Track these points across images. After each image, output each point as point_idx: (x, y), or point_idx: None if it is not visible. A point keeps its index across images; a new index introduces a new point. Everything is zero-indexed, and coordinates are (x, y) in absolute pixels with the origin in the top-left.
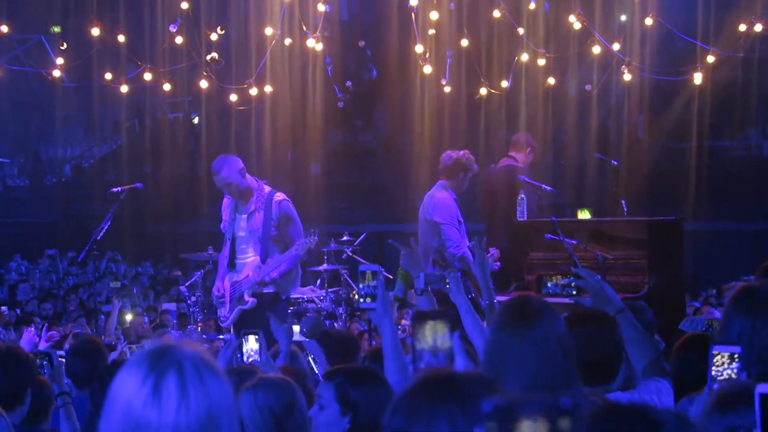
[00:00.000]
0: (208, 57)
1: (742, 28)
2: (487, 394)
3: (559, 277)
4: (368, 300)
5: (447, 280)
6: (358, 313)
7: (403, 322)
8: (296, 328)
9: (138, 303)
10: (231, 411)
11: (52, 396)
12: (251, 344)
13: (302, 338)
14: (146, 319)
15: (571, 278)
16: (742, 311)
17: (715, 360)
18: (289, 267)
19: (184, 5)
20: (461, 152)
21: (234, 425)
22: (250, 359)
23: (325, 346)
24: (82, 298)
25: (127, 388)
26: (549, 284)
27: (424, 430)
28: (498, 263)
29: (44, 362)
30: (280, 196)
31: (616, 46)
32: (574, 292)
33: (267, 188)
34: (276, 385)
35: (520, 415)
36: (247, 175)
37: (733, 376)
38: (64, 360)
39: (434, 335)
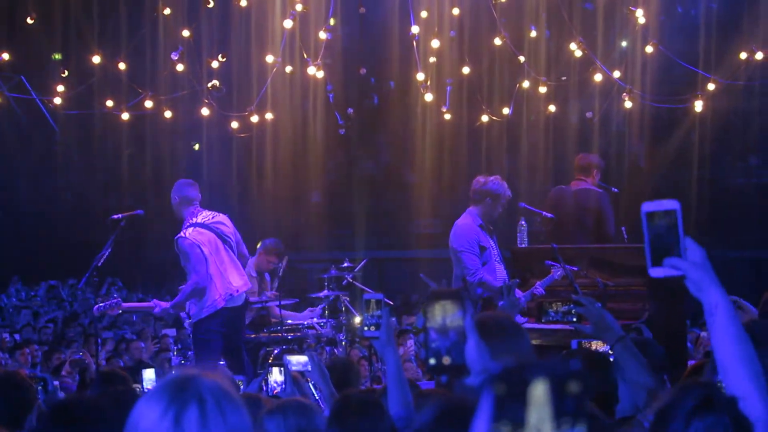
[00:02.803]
0: (209, 84)
1: (743, 56)
2: None
3: (559, 304)
4: (372, 329)
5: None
6: (358, 339)
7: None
8: (302, 359)
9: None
10: None
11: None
12: (275, 376)
13: (305, 368)
14: (142, 344)
15: (572, 305)
16: None
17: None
18: (178, 300)
19: (186, 33)
20: (491, 177)
21: None
22: (275, 391)
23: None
24: (83, 324)
25: (147, 421)
26: (550, 311)
27: None
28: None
29: (39, 387)
30: (183, 233)
31: (616, 74)
32: (575, 319)
33: (194, 219)
34: (303, 406)
35: (529, 377)
36: (189, 206)
37: None
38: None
39: (444, 314)
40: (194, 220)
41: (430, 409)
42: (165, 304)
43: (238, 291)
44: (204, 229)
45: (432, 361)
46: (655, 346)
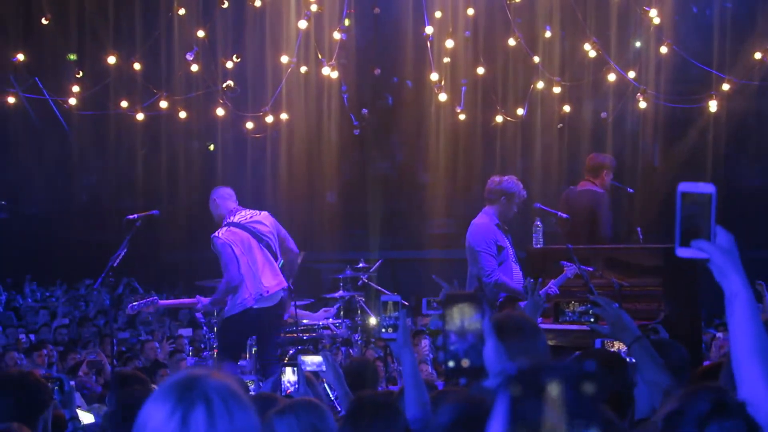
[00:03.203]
0: (224, 85)
1: (758, 56)
2: None
3: (576, 304)
4: (390, 330)
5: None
6: (373, 340)
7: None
8: (317, 359)
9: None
10: None
11: (62, 422)
12: (288, 376)
13: (320, 368)
14: (156, 344)
15: (588, 305)
16: None
17: None
18: (216, 297)
19: (201, 33)
20: (506, 177)
21: None
22: (288, 391)
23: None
24: (99, 325)
25: (155, 421)
26: (566, 311)
27: None
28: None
29: (55, 387)
30: (218, 232)
31: (631, 74)
32: (592, 320)
33: (231, 219)
34: (313, 405)
35: (545, 378)
36: (222, 205)
37: None
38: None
39: (462, 317)
40: (231, 219)
41: (448, 411)
42: (206, 300)
43: (269, 291)
44: (238, 228)
45: (451, 363)
46: (677, 347)
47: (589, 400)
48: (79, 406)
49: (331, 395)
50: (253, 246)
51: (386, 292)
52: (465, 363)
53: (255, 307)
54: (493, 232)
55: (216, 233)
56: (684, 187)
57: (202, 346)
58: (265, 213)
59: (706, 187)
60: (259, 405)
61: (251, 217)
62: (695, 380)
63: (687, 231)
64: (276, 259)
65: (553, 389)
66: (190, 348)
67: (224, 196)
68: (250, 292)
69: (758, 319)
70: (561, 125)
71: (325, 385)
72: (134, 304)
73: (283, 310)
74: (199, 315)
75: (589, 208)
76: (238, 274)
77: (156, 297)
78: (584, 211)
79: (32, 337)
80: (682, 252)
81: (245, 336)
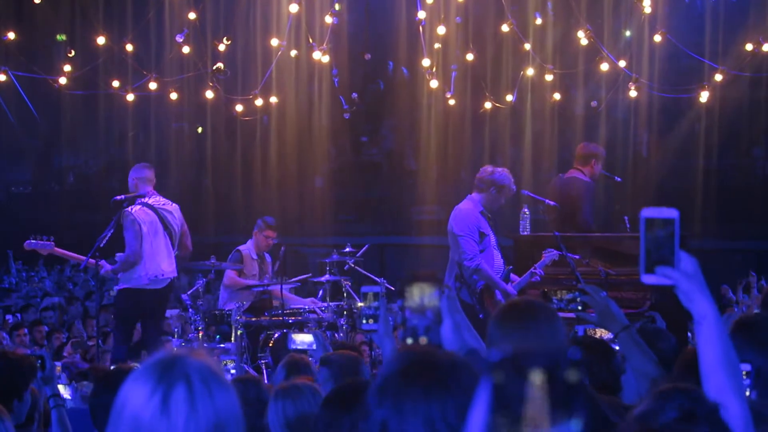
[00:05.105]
0: (215, 67)
1: (749, 47)
2: (478, 384)
3: (564, 292)
4: (370, 321)
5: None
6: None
7: None
8: (307, 338)
9: None
10: (238, 421)
11: (39, 400)
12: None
13: (309, 347)
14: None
15: (576, 293)
16: (749, 344)
17: None
18: (116, 267)
19: (191, 15)
20: (499, 168)
21: None
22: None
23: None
24: (86, 305)
25: (135, 400)
26: (554, 299)
27: (420, 423)
28: (540, 271)
29: (37, 363)
30: (131, 208)
31: (623, 63)
32: (579, 308)
33: (145, 199)
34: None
35: (528, 364)
36: (140, 186)
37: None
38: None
39: (421, 295)
40: (145, 200)
41: (395, 362)
42: (109, 267)
43: (163, 275)
44: (151, 210)
45: (409, 340)
46: (666, 336)
47: (572, 388)
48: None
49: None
50: (159, 230)
51: (373, 277)
52: (423, 340)
53: (149, 287)
54: (477, 218)
55: (129, 208)
56: (647, 212)
57: (189, 327)
58: (176, 205)
59: (670, 212)
60: (241, 388)
61: (164, 204)
62: (680, 367)
63: (651, 257)
64: (173, 249)
65: (536, 376)
66: (175, 329)
67: (145, 180)
68: (147, 272)
69: (725, 338)
70: (552, 107)
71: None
72: (32, 241)
73: (169, 295)
74: (185, 296)
75: (573, 196)
76: (140, 252)
77: (53, 243)
78: (568, 198)
79: (19, 317)
80: (647, 279)
81: (138, 309)
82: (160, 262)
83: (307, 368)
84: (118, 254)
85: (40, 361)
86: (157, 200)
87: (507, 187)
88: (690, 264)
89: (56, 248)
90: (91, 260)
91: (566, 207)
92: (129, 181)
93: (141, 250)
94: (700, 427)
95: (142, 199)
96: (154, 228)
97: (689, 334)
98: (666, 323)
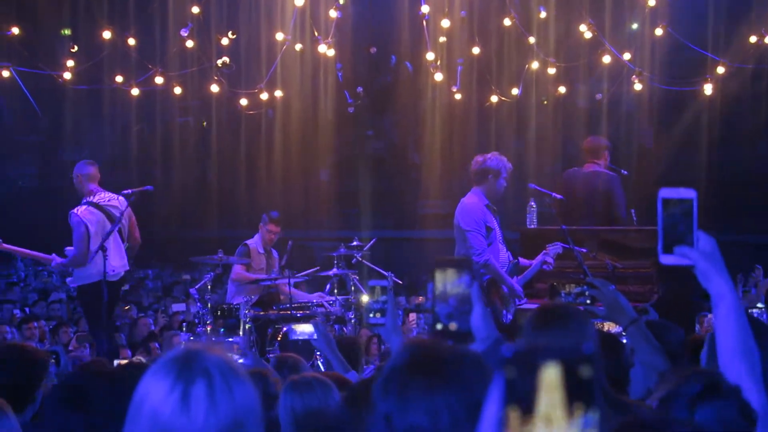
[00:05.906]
0: (219, 61)
1: (753, 39)
2: (484, 377)
3: (572, 285)
4: (378, 315)
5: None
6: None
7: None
8: (308, 328)
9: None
10: (256, 415)
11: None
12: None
13: (310, 337)
14: (150, 320)
15: (585, 287)
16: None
17: None
18: (65, 263)
19: (195, 9)
20: (489, 155)
21: (259, 428)
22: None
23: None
24: None
25: (155, 395)
26: (562, 293)
27: (423, 416)
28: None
29: (51, 360)
30: (76, 209)
31: (626, 56)
32: (588, 301)
33: (90, 198)
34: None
35: (540, 359)
36: (85, 183)
37: None
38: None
39: (451, 281)
40: (91, 198)
41: (400, 355)
42: (61, 260)
43: (114, 271)
44: (96, 209)
45: (438, 326)
46: (674, 329)
47: (586, 382)
48: None
49: (321, 366)
50: (106, 228)
51: (380, 270)
52: (453, 327)
53: (101, 281)
54: (483, 212)
55: (75, 210)
56: (665, 193)
57: (197, 321)
58: (121, 198)
59: (687, 193)
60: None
61: (109, 200)
62: (689, 353)
63: (669, 237)
64: (123, 242)
65: (549, 372)
66: (185, 324)
67: (89, 177)
68: (98, 269)
69: (743, 320)
70: (545, 100)
71: (319, 361)
72: None
73: (120, 288)
74: (192, 291)
75: (602, 191)
76: (86, 253)
77: (1, 239)
78: (597, 193)
79: (27, 310)
80: (665, 259)
81: (101, 299)
82: (110, 260)
83: (297, 366)
84: (67, 248)
85: (54, 357)
86: (102, 197)
87: (503, 168)
88: (708, 243)
89: (4, 244)
90: (46, 255)
91: (594, 201)
92: (73, 178)
93: (88, 251)
94: (727, 399)
95: (87, 198)
96: (102, 227)
97: (697, 328)
98: (672, 317)
